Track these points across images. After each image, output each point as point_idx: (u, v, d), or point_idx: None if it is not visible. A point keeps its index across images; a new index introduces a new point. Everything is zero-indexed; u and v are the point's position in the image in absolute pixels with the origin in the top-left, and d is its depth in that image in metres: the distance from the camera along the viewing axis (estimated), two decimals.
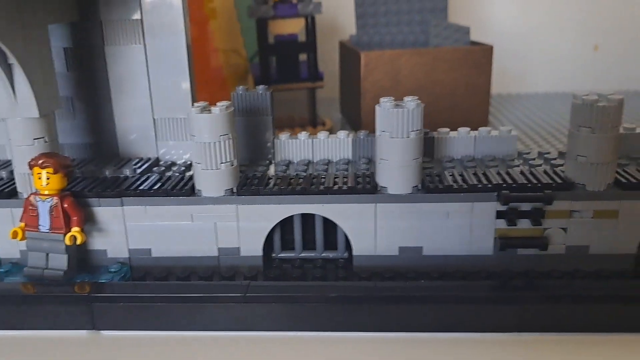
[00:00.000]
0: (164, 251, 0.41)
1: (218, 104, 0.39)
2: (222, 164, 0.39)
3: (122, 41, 0.45)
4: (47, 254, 0.40)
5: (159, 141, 0.48)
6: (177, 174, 0.44)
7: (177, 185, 0.41)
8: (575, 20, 1.03)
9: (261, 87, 0.46)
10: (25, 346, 0.37)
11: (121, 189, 0.41)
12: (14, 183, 0.42)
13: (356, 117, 0.77)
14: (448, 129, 0.47)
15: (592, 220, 0.38)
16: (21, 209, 0.40)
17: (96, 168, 0.45)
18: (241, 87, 0.46)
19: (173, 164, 0.47)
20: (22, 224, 0.40)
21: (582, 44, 1.04)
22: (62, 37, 0.46)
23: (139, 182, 0.42)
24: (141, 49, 0.45)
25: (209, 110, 0.39)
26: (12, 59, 0.37)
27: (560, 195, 0.38)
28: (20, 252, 0.42)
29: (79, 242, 0.39)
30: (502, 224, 0.39)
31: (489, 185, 0.38)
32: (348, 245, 0.41)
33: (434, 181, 0.39)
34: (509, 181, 0.38)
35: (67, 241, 0.39)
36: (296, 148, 0.47)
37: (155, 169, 0.45)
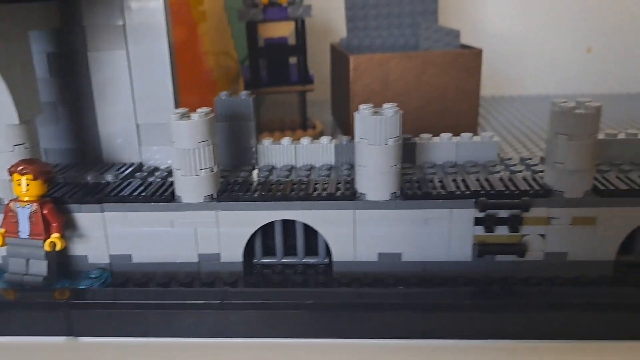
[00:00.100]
0: (144, 257, 0.41)
1: (198, 110, 0.39)
2: (202, 170, 0.39)
3: (105, 47, 0.45)
4: (27, 260, 0.40)
5: (142, 146, 0.48)
6: (158, 180, 0.44)
7: (158, 191, 0.41)
8: (569, 22, 1.03)
9: (244, 92, 0.47)
10: (3, 352, 0.37)
11: (101, 195, 0.41)
12: None
13: (346, 120, 0.77)
14: (430, 135, 0.47)
15: (570, 227, 0.38)
16: (1, 215, 0.40)
17: (78, 173, 0.45)
18: (224, 92, 0.47)
19: (156, 169, 0.47)
20: (3, 230, 0.40)
21: (575, 47, 1.04)
22: (46, 43, 0.46)
23: (120, 188, 0.42)
24: (124, 55, 0.45)
25: (189, 116, 0.39)
26: None
27: (538, 202, 0.38)
28: (1, 258, 0.42)
29: (58, 248, 0.39)
30: (480, 230, 0.39)
31: (467, 192, 0.38)
32: (329, 251, 0.41)
33: (413, 187, 0.39)
34: (487, 188, 0.38)
35: (47, 247, 0.39)
36: (279, 153, 0.47)
37: (137, 174, 0.45)
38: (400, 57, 0.72)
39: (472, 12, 1.04)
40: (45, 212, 0.39)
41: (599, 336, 0.36)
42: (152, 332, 0.37)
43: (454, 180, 0.40)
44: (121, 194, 0.41)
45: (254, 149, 0.47)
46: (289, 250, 0.43)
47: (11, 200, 0.39)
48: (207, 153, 0.39)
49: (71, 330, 0.37)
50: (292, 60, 0.79)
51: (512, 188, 0.38)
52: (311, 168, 0.46)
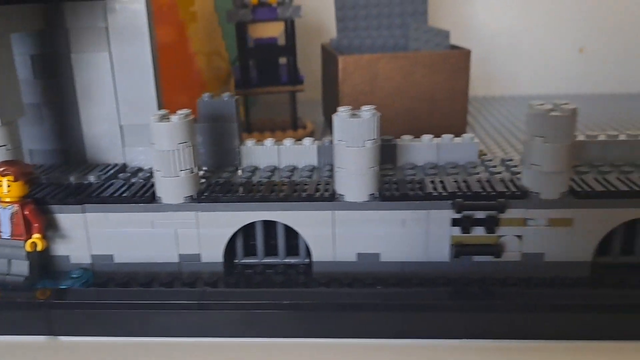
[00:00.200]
0: (126, 257, 0.42)
1: (178, 112, 0.40)
2: (182, 172, 0.40)
3: (88, 49, 0.46)
4: (9, 260, 0.40)
5: (126, 147, 0.48)
6: (141, 181, 0.44)
7: (139, 192, 0.41)
8: (561, 23, 1.03)
9: (226, 94, 0.47)
10: None
11: (83, 196, 0.41)
12: None
13: None
14: (411, 136, 0.47)
15: (547, 228, 0.39)
16: None
17: (62, 174, 0.45)
18: (207, 93, 0.47)
19: (140, 170, 0.48)
20: None
21: (567, 47, 1.04)
22: (29, 45, 0.46)
23: (102, 189, 0.42)
24: (107, 57, 0.46)
25: (168, 118, 0.39)
26: None
27: (514, 204, 0.38)
28: None
29: (39, 248, 0.39)
30: (457, 231, 0.39)
31: (444, 194, 0.38)
32: (309, 251, 0.42)
33: (391, 189, 0.40)
34: (464, 189, 0.39)
35: (28, 248, 0.39)
36: (262, 154, 0.48)
37: (121, 175, 0.46)
38: (389, 57, 0.72)
39: (465, 12, 1.04)
40: (26, 213, 0.39)
41: (575, 336, 0.36)
42: (131, 332, 0.37)
43: (432, 182, 0.40)
44: (103, 194, 0.41)
45: (237, 150, 0.48)
46: (271, 250, 0.43)
47: None
48: (187, 154, 0.39)
49: (52, 329, 0.38)
50: (282, 60, 0.79)
51: (489, 189, 0.38)
52: (294, 169, 0.47)
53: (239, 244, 0.43)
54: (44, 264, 0.42)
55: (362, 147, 0.38)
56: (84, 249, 0.42)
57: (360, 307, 0.37)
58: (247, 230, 0.42)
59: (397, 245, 0.40)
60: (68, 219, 0.41)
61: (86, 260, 0.42)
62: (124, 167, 0.48)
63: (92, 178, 0.45)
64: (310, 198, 0.40)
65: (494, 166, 0.44)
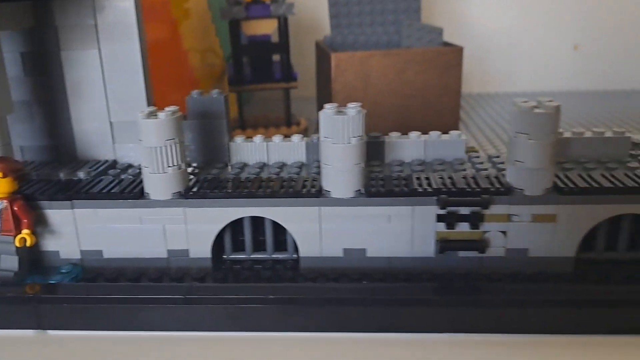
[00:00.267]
0: (115, 253, 0.42)
1: (166, 108, 0.40)
2: (169, 168, 0.40)
3: (78, 46, 0.46)
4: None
5: (116, 144, 0.48)
6: (130, 177, 0.45)
7: (127, 188, 0.42)
8: (556, 20, 1.03)
9: (215, 91, 0.47)
10: None
11: (72, 192, 0.41)
12: None
13: None
14: (399, 133, 0.47)
15: (531, 224, 0.39)
16: None
17: (52, 171, 0.46)
18: (196, 91, 0.47)
19: (130, 166, 0.48)
20: None
21: (562, 44, 1.04)
22: (19, 42, 0.46)
23: (90, 185, 0.43)
24: (96, 54, 0.46)
25: (156, 115, 0.40)
26: None
27: (498, 200, 0.38)
28: None
29: (28, 244, 0.40)
30: (442, 227, 0.39)
31: (429, 190, 0.39)
32: (297, 247, 0.42)
33: (377, 185, 0.40)
34: (449, 185, 0.39)
35: (17, 243, 0.40)
36: (251, 151, 0.48)
37: (111, 171, 0.46)
38: (382, 54, 0.73)
39: (460, 10, 1.04)
40: (15, 208, 0.40)
41: (558, 331, 0.36)
42: (117, 326, 0.38)
43: (418, 178, 0.41)
44: (92, 190, 0.42)
45: (226, 147, 0.48)
46: (259, 246, 0.43)
47: None
48: (174, 151, 0.40)
49: (40, 323, 0.38)
50: (276, 57, 0.79)
51: (474, 186, 0.39)
52: (282, 165, 0.47)
53: (227, 239, 0.43)
54: (34, 260, 0.42)
55: (347, 144, 0.39)
56: (73, 245, 0.42)
57: (347, 301, 0.37)
58: (236, 226, 0.43)
59: (383, 241, 0.40)
60: (57, 214, 0.42)
61: (75, 255, 0.42)
62: (114, 164, 0.48)
63: (81, 174, 0.45)
64: (297, 194, 0.40)
65: (481, 163, 0.45)
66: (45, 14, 0.45)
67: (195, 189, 0.41)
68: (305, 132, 0.81)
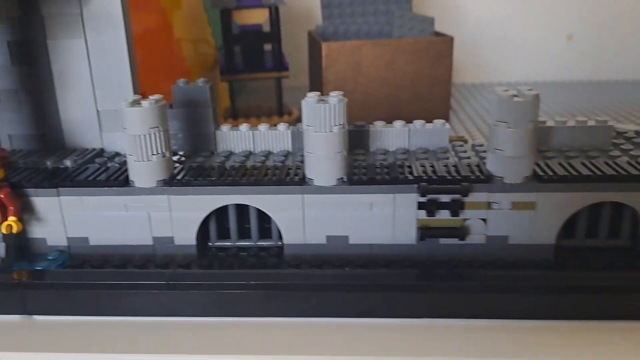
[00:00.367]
0: (101, 240, 0.43)
1: (150, 97, 0.40)
2: (154, 156, 0.40)
3: (64, 35, 0.46)
4: None
5: (103, 132, 0.49)
6: (116, 165, 0.45)
7: (112, 176, 0.42)
8: (550, 10, 1.03)
9: (201, 80, 0.47)
10: None
11: (58, 180, 0.42)
12: None
13: None
14: (383, 122, 0.47)
15: (510, 212, 0.39)
16: None
17: (39, 159, 0.46)
18: (182, 79, 0.47)
19: (117, 154, 0.48)
20: None
21: (556, 34, 1.04)
22: (6, 31, 0.47)
23: (77, 173, 0.43)
24: (82, 43, 0.46)
25: (140, 103, 0.40)
26: None
27: (478, 188, 0.39)
28: None
29: (15, 231, 0.40)
30: (423, 214, 0.40)
31: (410, 178, 0.39)
32: (281, 234, 0.42)
33: (359, 173, 0.40)
34: (430, 173, 0.39)
35: (4, 230, 0.40)
36: (237, 139, 0.48)
37: (97, 159, 0.47)
38: (372, 44, 0.73)
39: (454, 0, 1.04)
40: (2, 196, 0.40)
41: (538, 316, 0.37)
42: (101, 311, 0.38)
43: (400, 166, 0.41)
44: (77, 178, 0.42)
45: (213, 135, 0.48)
46: (245, 233, 0.44)
47: None
48: (158, 139, 0.40)
49: (26, 309, 0.39)
50: (267, 47, 0.79)
51: (454, 174, 0.39)
52: (268, 154, 0.47)
53: (212, 227, 0.43)
54: (21, 246, 0.43)
55: (329, 132, 0.39)
56: (59, 232, 0.43)
57: (328, 287, 0.37)
58: (221, 214, 0.43)
59: (365, 228, 0.41)
60: (43, 202, 0.42)
61: (62, 242, 0.43)
62: (101, 152, 0.49)
63: (68, 162, 0.45)
64: (280, 182, 0.40)
65: (464, 151, 0.45)
66: (31, 2, 0.46)
67: (179, 177, 0.41)
68: (297, 122, 0.82)
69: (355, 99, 0.75)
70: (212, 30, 0.85)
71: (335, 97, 0.39)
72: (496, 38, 1.05)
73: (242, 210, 0.43)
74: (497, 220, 0.40)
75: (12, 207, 0.40)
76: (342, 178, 0.40)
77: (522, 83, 1.03)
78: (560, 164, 0.40)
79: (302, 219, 0.41)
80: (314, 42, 0.81)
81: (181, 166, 0.44)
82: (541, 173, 0.39)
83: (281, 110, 0.82)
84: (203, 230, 0.43)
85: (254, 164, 0.45)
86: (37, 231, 0.43)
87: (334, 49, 0.73)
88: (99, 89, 0.48)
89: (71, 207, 0.42)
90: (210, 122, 0.48)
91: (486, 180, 0.39)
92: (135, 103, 0.40)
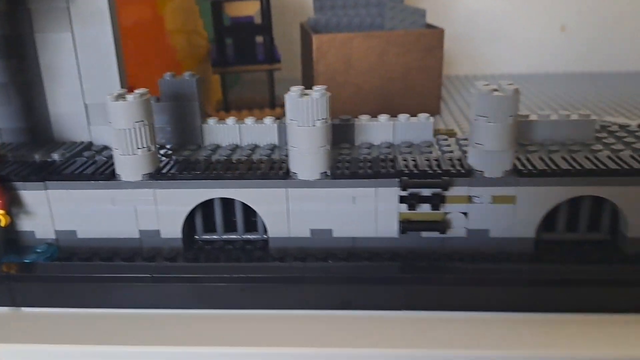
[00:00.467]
0: (88, 233, 0.43)
1: (135, 90, 0.41)
2: (139, 150, 0.41)
3: (51, 29, 0.46)
4: None
5: (91, 126, 0.49)
6: (104, 158, 0.46)
7: (99, 170, 0.43)
8: (542, 1, 1.03)
9: (187, 73, 0.48)
10: None
11: (45, 173, 0.42)
12: None
13: None
14: (369, 116, 0.48)
15: (491, 206, 0.40)
16: None
17: (28, 152, 0.47)
18: (168, 73, 0.48)
19: (105, 147, 0.49)
20: None
21: (549, 25, 1.04)
22: None
23: (64, 166, 0.43)
24: (69, 37, 0.47)
25: (124, 97, 0.40)
26: None
27: (458, 182, 0.39)
28: None
29: (3, 224, 0.41)
30: (405, 208, 0.40)
31: (392, 172, 0.40)
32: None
33: (342, 167, 0.41)
34: (412, 168, 0.40)
35: None
36: (224, 133, 0.49)
37: (86, 153, 0.47)
38: (363, 37, 0.73)
39: None
40: None
41: (518, 309, 0.37)
42: (87, 304, 0.39)
43: (383, 160, 0.42)
44: (65, 172, 0.43)
45: (199, 129, 0.49)
46: (231, 226, 0.44)
47: None
48: (144, 133, 0.41)
49: (15, 301, 0.39)
50: (259, 39, 0.79)
51: (435, 168, 0.40)
52: (255, 147, 0.48)
53: (198, 220, 0.44)
54: (10, 239, 0.43)
55: (312, 126, 0.39)
56: (48, 225, 0.43)
57: (310, 280, 0.38)
58: (207, 207, 0.44)
59: (348, 222, 0.41)
60: (31, 195, 0.43)
61: (50, 235, 0.43)
62: (89, 145, 0.49)
63: (56, 156, 0.46)
64: (265, 176, 0.41)
65: (448, 145, 0.45)
66: None
67: (165, 171, 0.42)
68: None
69: (347, 91, 0.75)
70: (204, 22, 0.85)
71: (317, 92, 0.39)
72: (489, 29, 1.04)
73: (228, 203, 0.44)
74: (477, 213, 0.40)
75: (0, 201, 0.41)
76: (325, 172, 0.41)
77: (514, 75, 1.03)
78: (541, 158, 0.41)
79: (286, 213, 0.42)
80: (306, 34, 0.81)
81: (167, 160, 0.44)
82: (521, 167, 0.39)
83: (273, 102, 0.83)
84: (189, 223, 0.43)
85: (240, 157, 0.45)
86: (25, 224, 0.44)
87: (324, 42, 0.73)
88: (87, 82, 0.48)
89: (59, 201, 0.43)
90: (197, 115, 0.48)
91: (467, 174, 0.39)
92: (120, 97, 0.40)
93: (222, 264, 0.40)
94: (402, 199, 0.40)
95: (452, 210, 0.40)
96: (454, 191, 0.39)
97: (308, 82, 0.89)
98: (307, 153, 0.40)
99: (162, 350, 0.35)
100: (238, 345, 0.35)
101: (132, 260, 0.42)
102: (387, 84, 0.75)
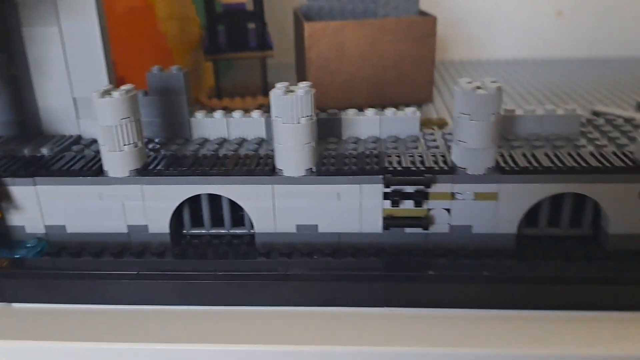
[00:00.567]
0: (77, 228, 0.44)
1: (121, 87, 0.41)
2: (126, 146, 0.41)
3: (38, 23, 0.46)
4: None
5: (80, 119, 0.49)
6: (92, 153, 0.46)
7: (87, 165, 0.43)
8: None
9: (174, 67, 0.48)
10: None
11: (34, 169, 0.43)
12: None
13: None
14: (356, 110, 0.48)
15: (473, 202, 0.40)
16: None
17: (17, 146, 0.47)
18: (156, 66, 0.48)
19: (94, 141, 0.49)
20: None
21: (545, 10, 1.03)
22: None
23: (52, 162, 0.44)
24: (56, 31, 0.46)
25: (110, 94, 0.40)
26: None
27: (441, 179, 0.40)
28: None
29: None
30: (388, 204, 0.41)
31: (376, 168, 0.40)
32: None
33: (328, 163, 0.41)
34: (396, 164, 0.40)
35: None
36: (212, 126, 0.49)
37: (74, 147, 0.47)
38: (355, 24, 0.72)
39: None
40: None
41: (499, 305, 0.38)
42: (78, 299, 0.40)
43: (368, 156, 0.42)
44: (54, 167, 0.43)
45: (187, 123, 0.49)
46: (219, 220, 0.45)
47: None
48: (130, 129, 0.41)
49: (4, 296, 0.40)
50: (251, 26, 0.79)
51: (418, 165, 0.40)
52: (242, 141, 0.48)
53: (186, 215, 0.44)
54: (1, 234, 0.44)
55: (297, 123, 0.40)
56: (37, 220, 0.44)
57: (295, 277, 0.39)
58: (195, 202, 0.44)
59: (333, 218, 0.42)
60: (20, 190, 0.43)
61: (40, 230, 0.44)
62: (78, 139, 0.49)
63: (45, 150, 0.46)
64: (251, 172, 0.41)
65: (433, 140, 0.46)
66: None
67: (151, 167, 0.42)
68: None
69: (339, 79, 0.75)
70: (196, 8, 0.84)
71: (302, 89, 0.40)
72: (484, 15, 1.03)
73: (215, 198, 0.44)
74: (460, 210, 0.41)
75: None
76: (311, 168, 0.41)
77: (510, 60, 1.02)
78: (524, 155, 0.41)
79: (272, 209, 0.42)
80: (298, 22, 0.81)
81: (154, 155, 0.45)
82: (503, 164, 0.40)
83: (266, 89, 0.82)
84: (177, 218, 0.44)
85: (227, 152, 0.45)
86: (15, 219, 0.44)
87: (317, 30, 0.72)
88: (75, 76, 0.48)
89: (48, 196, 0.43)
90: (185, 109, 0.48)
91: (449, 171, 0.40)
92: (106, 93, 0.40)
93: (208, 261, 0.40)
94: (386, 196, 0.40)
95: (435, 207, 0.41)
96: (437, 188, 0.40)
97: (301, 69, 0.89)
98: (292, 150, 0.40)
99: (153, 347, 0.36)
100: (222, 343, 0.36)
101: (121, 255, 0.43)
102: (380, 71, 0.74)
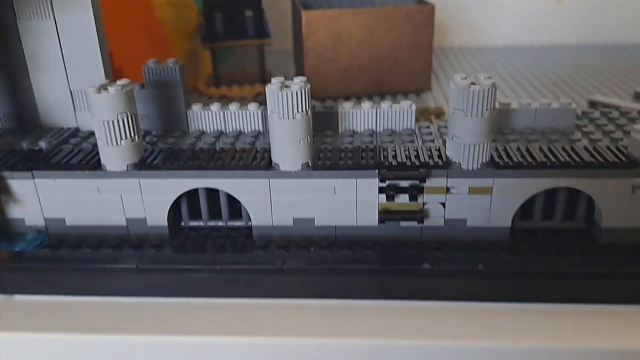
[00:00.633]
0: (77, 220, 0.44)
1: (117, 82, 0.41)
2: (122, 141, 0.41)
3: (33, 15, 0.46)
4: None
5: (77, 112, 0.50)
6: (90, 146, 0.46)
7: (85, 159, 0.43)
8: None
9: (171, 60, 0.48)
10: None
11: (32, 162, 0.43)
12: None
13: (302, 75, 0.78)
14: (352, 103, 0.48)
15: (468, 196, 0.41)
16: None
17: (15, 139, 0.47)
18: (152, 60, 0.48)
19: (92, 133, 0.49)
20: None
21: None
22: None
23: (50, 155, 0.44)
24: (52, 24, 0.46)
25: (107, 88, 0.41)
26: None
27: (436, 174, 0.40)
28: None
29: None
30: (384, 198, 0.41)
31: (371, 163, 0.40)
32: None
33: (324, 158, 0.42)
34: (391, 159, 0.41)
35: None
36: (209, 119, 0.49)
37: (72, 140, 0.48)
38: (352, 13, 0.72)
39: None
40: None
41: (491, 297, 0.39)
42: (79, 291, 0.40)
43: (364, 151, 0.42)
44: (51, 161, 0.43)
45: (184, 115, 0.49)
46: (217, 213, 0.45)
47: None
48: (127, 124, 0.41)
49: (5, 288, 0.41)
50: (249, 13, 0.78)
51: (413, 159, 0.40)
52: (239, 134, 0.48)
53: (184, 208, 0.45)
54: (1, 227, 0.44)
55: (292, 119, 0.40)
56: (37, 213, 0.44)
57: (292, 271, 0.39)
58: (193, 195, 0.45)
59: (330, 211, 0.42)
60: (19, 184, 0.43)
61: (40, 222, 0.45)
62: (76, 132, 0.49)
63: (43, 143, 0.46)
64: (247, 167, 0.42)
65: (429, 134, 0.46)
66: None
67: (149, 161, 0.42)
68: None
69: (337, 68, 0.75)
70: None
71: (297, 85, 0.40)
72: (484, 0, 1.03)
73: (212, 191, 0.44)
74: (455, 204, 0.41)
75: None
76: (307, 163, 0.41)
77: (510, 46, 1.02)
78: (518, 149, 0.42)
79: (269, 202, 0.43)
80: (296, 10, 0.80)
81: (151, 148, 0.45)
82: (498, 159, 0.40)
83: (264, 77, 0.82)
84: (175, 210, 0.44)
85: (224, 146, 0.46)
86: (15, 212, 0.45)
87: (314, 18, 0.72)
88: (71, 69, 0.48)
89: (46, 189, 0.43)
90: (181, 102, 0.49)
91: (444, 166, 0.40)
92: (102, 88, 0.41)
93: (208, 255, 0.41)
94: (381, 190, 0.41)
95: (430, 201, 0.41)
96: (432, 182, 0.40)
97: (299, 57, 0.88)
98: (288, 145, 0.40)
99: (151, 339, 0.37)
100: (220, 335, 0.37)
101: (119, 247, 0.43)
102: (378, 60, 0.74)
